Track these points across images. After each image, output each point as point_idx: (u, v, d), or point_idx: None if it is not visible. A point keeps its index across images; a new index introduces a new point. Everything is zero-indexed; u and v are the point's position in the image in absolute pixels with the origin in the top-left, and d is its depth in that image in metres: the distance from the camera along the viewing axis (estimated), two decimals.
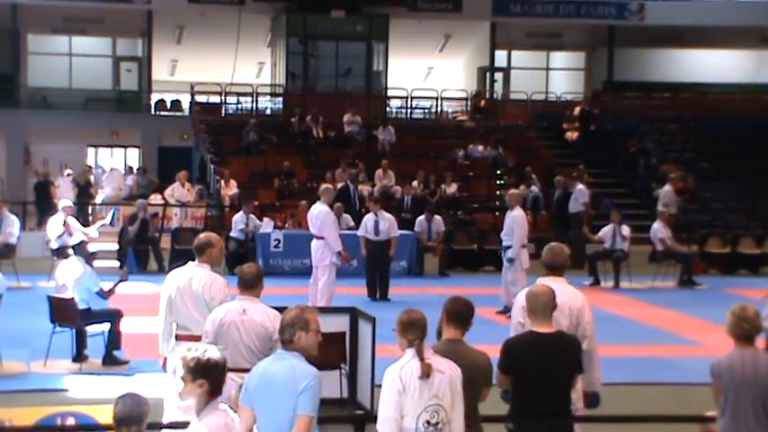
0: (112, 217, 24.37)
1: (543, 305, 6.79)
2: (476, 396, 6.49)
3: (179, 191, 27.54)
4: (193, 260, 8.75)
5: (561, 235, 23.04)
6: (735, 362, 6.62)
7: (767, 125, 34.01)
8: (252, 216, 22.46)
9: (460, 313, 6.67)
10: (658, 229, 21.61)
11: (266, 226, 22.41)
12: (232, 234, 22.04)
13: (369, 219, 19.12)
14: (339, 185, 24.83)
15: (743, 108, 36.51)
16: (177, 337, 8.65)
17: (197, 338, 8.43)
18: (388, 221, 19.09)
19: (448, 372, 6.10)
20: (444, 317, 6.70)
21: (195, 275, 8.58)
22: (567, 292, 7.48)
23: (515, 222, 16.50)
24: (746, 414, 6.56)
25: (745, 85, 40.47)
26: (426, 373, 6.01)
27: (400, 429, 6.00)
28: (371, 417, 6.56)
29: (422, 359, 6.04)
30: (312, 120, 31.54)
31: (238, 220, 22.28)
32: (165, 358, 8.72)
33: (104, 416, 7.56)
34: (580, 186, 24.58)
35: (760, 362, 6.60)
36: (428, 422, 6.03)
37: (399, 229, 20.16)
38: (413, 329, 6.13)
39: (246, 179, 29.22)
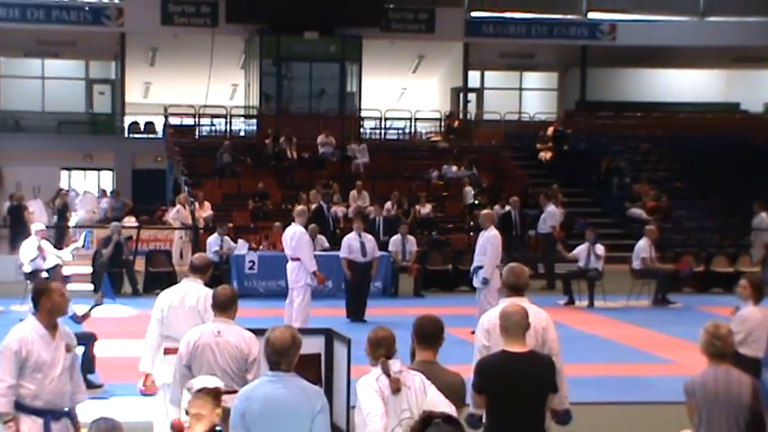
0: (85, 239, 24.24)
1: (515, 324, 6.77)
2: None
3: (183, 213, 27.31)
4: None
5: (525, 255, 23.12)
6: (708, 380, 6.66)
7: (738, 144, 34.30)
8: (226, 238, 22.43)
9: (428, 332, 6.68)
10: (643, 247, 21.51)
11: (241, 248, 22.37)
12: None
13: (352, 240, 18.90)
14: (313, 206, 24.78)
15: (714, 127, 36.72)
16: (165, 351, 8.91)
17: None
18: (371, 242, 19.09)
19: (412, 385, 6.17)
20: (414, 339, 6.71)
21: (189, 289, 8.92)
22: (531, 312, 7.41)
23: (489, 243, 16.36)
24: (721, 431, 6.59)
25: (717, 105, 40.82)
26: (396, 387, 6.10)
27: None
28: None
29: (388, 375, 6.12)
30: (286, 141, 31.55)
31: (213, 242, 22.22)
32: (146, 375, 9.08)
33: None
34: (551, 208, 24.55)
35: (733, 379, 6.63)
36: None
37: None
38: (378, 348, 6.27)
39: (221, 201, 29.17)
